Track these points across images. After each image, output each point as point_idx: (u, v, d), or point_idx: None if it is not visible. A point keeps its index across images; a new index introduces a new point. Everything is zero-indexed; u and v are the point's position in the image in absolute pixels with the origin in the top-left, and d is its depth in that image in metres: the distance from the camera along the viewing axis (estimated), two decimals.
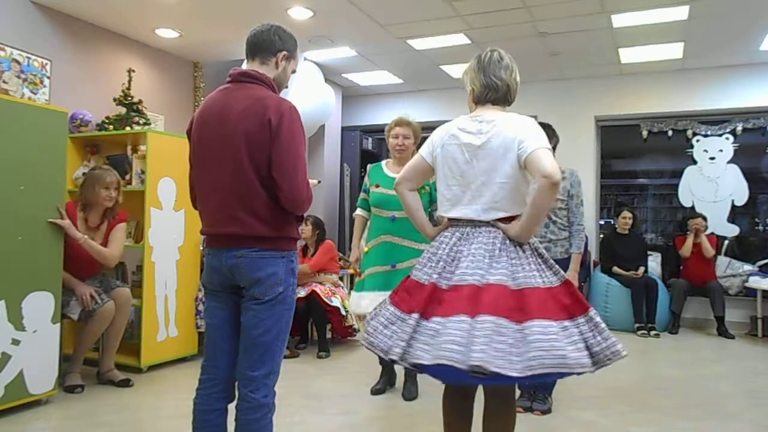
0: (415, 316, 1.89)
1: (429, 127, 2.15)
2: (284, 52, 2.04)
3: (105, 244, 3.65)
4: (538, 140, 1.93)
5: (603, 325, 1.88)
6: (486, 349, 1.71)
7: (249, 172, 1.88)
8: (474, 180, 2.00)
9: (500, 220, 1.99)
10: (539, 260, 1.97)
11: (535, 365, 1.72)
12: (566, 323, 1.83)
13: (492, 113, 2.05)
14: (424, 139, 2.28)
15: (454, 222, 2.06)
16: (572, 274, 3.19)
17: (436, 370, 1.83)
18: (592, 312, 1.89)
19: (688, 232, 6.15)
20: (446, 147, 2.08)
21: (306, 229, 4.89)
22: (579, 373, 1.80)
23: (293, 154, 1.89)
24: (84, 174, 3.58)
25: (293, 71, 2.11)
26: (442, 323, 1.82)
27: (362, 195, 3.67)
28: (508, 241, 1.96)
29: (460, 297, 1.84)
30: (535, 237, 2.04)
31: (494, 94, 2.07)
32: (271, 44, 2.02)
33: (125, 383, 3.67)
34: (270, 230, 1.92)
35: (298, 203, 1.92)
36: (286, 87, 2.13)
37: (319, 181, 2.81)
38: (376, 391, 3.64)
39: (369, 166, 3.73)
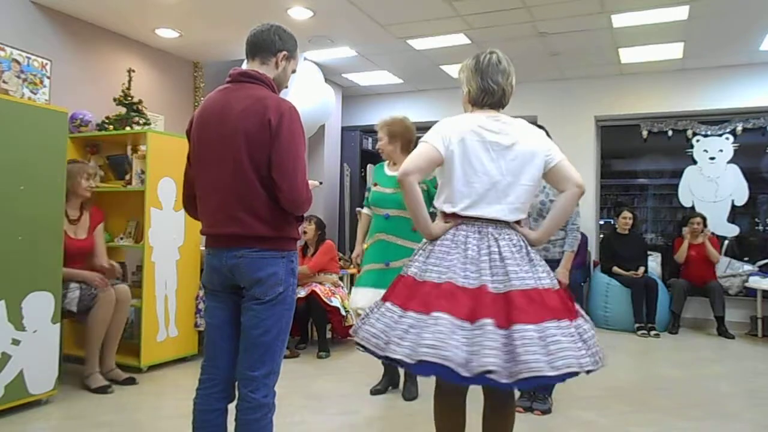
0: (490, 323, 1.78)
1: (428, 128, 2.12)
2: (284, 52, 2.04)
3: (89, 236, 3.75)
4: (559, 150, 2.06)
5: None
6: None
7: (249, 172, 1.88)
8: (500, 180, 1.99)
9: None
10: (543, 263, 2.01)
11: (561, 365, 1.77)
12: (577, 322, 1.91)
13: (504, 116, 2.08)
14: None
15: (469, 220, 1.99)
16: (563, 272, 3.20)
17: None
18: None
19: (683, 235, 6.15)
20: (467, 143, 1.99)
21: (309, 229, 4.89)
22: (579, 373, 1.84)
23: (293, 155, 1.89)
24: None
25: (293, 71, 2.11)
26: (537, 330, 1.79)
27: (366, 193, 3.75)
28: (527, 243, 2.01)
29: (542, 303, 1.85)
30: None
31: (490, 98, 2.07)
32: (271, 44, 2.02)
33: (130, 381, 3.68)
34: (270, 230, 1.91)
35: (297, 204, 1.92)
36: (286, 87, 2.13)
37: (321, 183, 2.81)
38: (376, 392, 3.64)
39: (370, 165, 3.76)
